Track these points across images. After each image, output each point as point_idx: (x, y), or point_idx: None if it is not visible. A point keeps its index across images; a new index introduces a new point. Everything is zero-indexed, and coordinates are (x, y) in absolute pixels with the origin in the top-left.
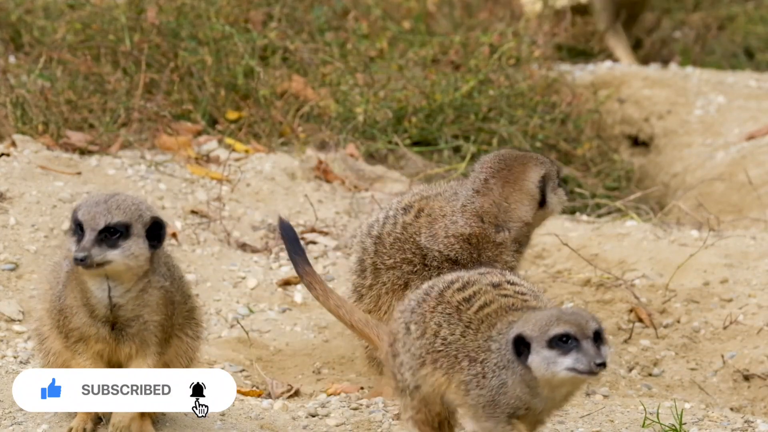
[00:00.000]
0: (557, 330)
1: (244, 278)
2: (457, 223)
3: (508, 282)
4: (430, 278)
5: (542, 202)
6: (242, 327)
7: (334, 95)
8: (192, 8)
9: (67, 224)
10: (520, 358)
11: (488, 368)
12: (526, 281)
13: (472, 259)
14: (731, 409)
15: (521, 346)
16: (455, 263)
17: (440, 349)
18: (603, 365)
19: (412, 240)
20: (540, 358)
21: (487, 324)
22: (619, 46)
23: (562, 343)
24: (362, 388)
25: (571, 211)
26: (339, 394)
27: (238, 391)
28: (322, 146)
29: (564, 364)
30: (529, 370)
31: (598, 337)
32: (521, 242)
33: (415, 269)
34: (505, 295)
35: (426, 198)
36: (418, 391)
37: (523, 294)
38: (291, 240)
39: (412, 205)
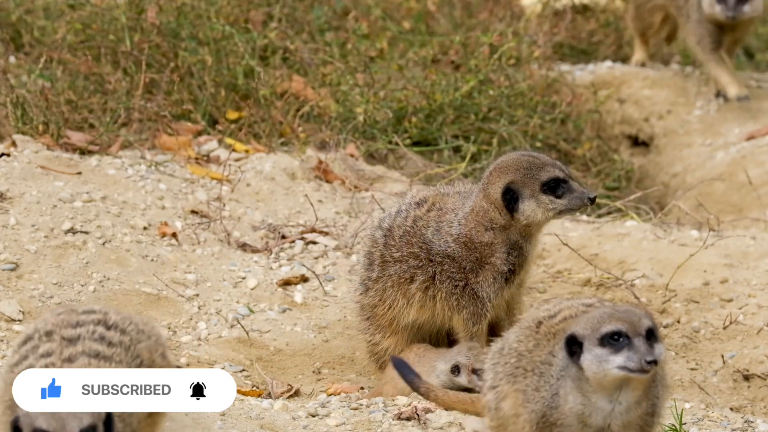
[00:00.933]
0: (609, 328)
1: (244, 278)
2: (454, 221)
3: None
4: (433, 274)
5: (512, 210)
6: (242, 327)
7: (334, 95)
8: (192, 8)
9: (67, 224)
10: (573, 358)
11: (544, 380)
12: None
13: (469, 259)
14: (731, 409)
15: (574, 346)
16: (453, 260)
17: (515, 364)
18: (654, 362)
19: (420, 234)
20: (591, 356)
21: (559, 336)
22: (723, 75)
23: (613, 341)
24: (362, 388)
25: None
26: (339, 393)
27: (238, 391)
28: (322, 146)
29: (615, 362)
30: (581, 370)
31: (651, 335)
32: (518, 247)
33: (421, 264)
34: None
35: (443, 195)
36: (498, 412)
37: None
38: (402, 367)
39: (426, 200)
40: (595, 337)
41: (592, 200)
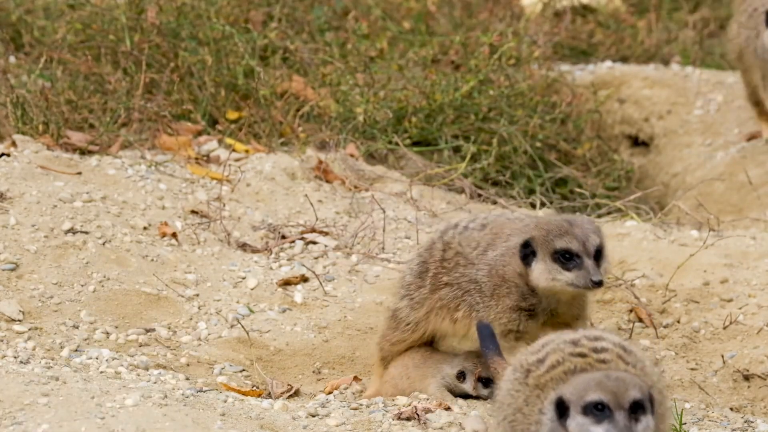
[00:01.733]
0: (592, 397)
1: (244, 278)
2: (488, 252)
3: (589, 338)
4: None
5: (525, 264)
6: (242, 327)
7: (334, 95)
8: (192, 8)
9: (67, 224)
10: (561, 420)
11: None
12: (615, 335)
13: (492, 294)
14: (731, 409)
15: (562, 408)
16: (479, 286)
17: (511, 418)
18: None
19: (467, 255)
20: (575, 424)
21: (546, 391)
22: None
23: (597, 410)
24: (358, 378)
25: (572, 211)
26: (338, 388)
27: (238, 391)
28: (322, 146)
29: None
30: None
31: (637, 408)
32: (535, 301)
33: (468, 291)
34: (580, 354)
35: (508, 219)
36: None
37: (603, 351)
38: (486, 335)
39: (488, 223)
40: (579, 404)
41: (596, 284)
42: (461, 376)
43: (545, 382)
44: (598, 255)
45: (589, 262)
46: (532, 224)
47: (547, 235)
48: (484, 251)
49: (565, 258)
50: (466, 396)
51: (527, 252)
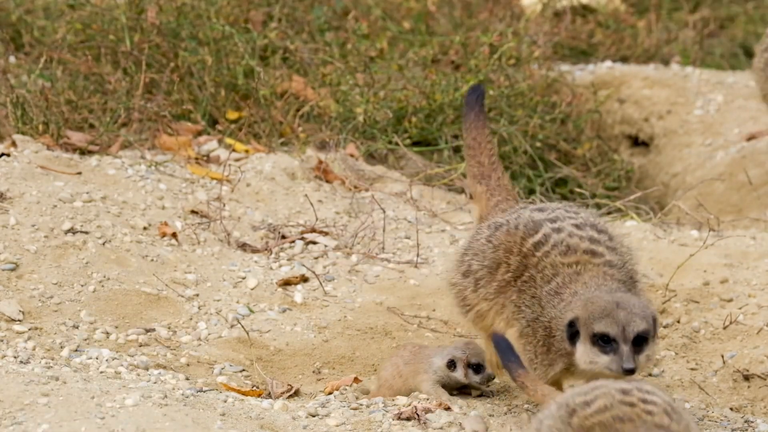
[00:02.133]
0: None
1: (244, 278)
2: (556, 301)
3: (641, 390)
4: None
5: (571, 342)
6: (242, 327)
7: (334, 95)
8: (192, 8)
9: (67, 224)
10: None
11: None
12: (665, 393)
13: (548, 350)
14: (731, 409)
15: None
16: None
17: None
18: None
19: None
20: None
21: None
22: None
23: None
24: (358, 379)
25: None
26: (338, 388)
27: (238, 391)
28: (322, 146)
29: None
30: None
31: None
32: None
33: (532, 316)
34: (629, 404)
35: (597, 258)
36: None
37: (652, 404)
38: (504, 347)
39: (576, 250)
40: None
41: (627, 372)
42: (451, 365)
43: (590, 425)
44: (641, 340)
45: (624, 348)
46: (588, 294)
47: (589, 317)
48: (554, 294)
49: (603, 341)
50: (461, 389)
51: (573, 331)
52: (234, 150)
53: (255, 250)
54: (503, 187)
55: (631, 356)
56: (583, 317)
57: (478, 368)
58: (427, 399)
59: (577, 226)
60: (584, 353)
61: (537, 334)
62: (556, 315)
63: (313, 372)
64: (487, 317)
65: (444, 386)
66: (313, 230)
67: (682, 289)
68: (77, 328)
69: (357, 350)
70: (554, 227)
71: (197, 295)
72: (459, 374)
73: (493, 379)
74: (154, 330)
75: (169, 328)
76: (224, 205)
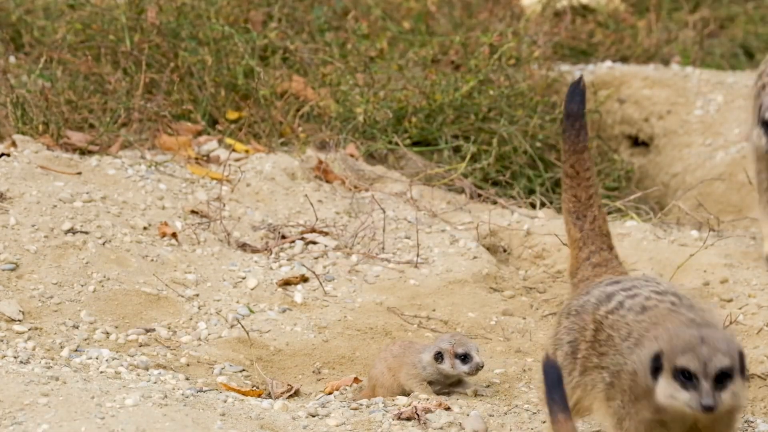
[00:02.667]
0: None
1: (244, 278)
2: (639, 349)
3: None
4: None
5: (654, 377)
6: (242, 327)
7: (334, 95)
8: (192, 8)
9: (67, 224)
10: None
11: None
12: None
13: (635, 399)
14: None
15: None
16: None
17: None
18: None
19: (618, 339)
20: None
21: None
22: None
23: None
24: (358, 380)
25: None
26: (338, 389)
27: (238, 391)
28: (322, 146)
29: None
30: None
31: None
32: (668, 418)
33: (615, 369)
34: None
35: (672, 307)
36: None
37: None
38: (552, 381)
39: (650, 307)
40: None
41: (706, 409)
42: (438, 357)
43: None
44: (725, 376)
45: (705, 385)
46: (671, 329)
47: (672, 350)
48: (635, 345)
49: (684, 377)
50: (454, 385)
51: (656, 366)
52: (234, 150)
53: (255, 250)
54: (597, 233)
55: (711, 393)
56: (667, 351)
57: (465, 358)
58: (427, 399)
59: (656, 292)
60: (665, 388)
61: (623, 384)
62: (639, 356)
63: (313, 372)
64: (584, 401)
65: (436, 383)
66: (313, 230)
67: (683, 289)
68: (77, 328)
69: (357, 350)
70: (629, 294)
71: (197, 295)
72: (446, 365)
73: (482, 368)
74: (154, 330)
75: (169, 328)
76: (224, 205)
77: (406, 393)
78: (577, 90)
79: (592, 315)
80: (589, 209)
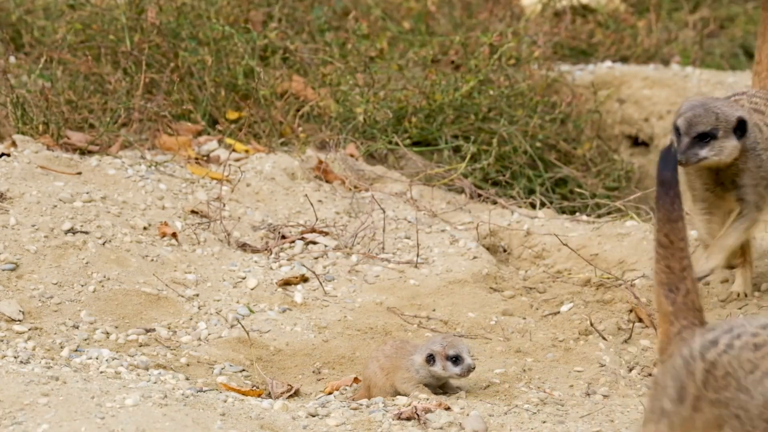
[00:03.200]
0: None
1: (244, 278)
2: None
3: None
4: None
5: None
6: (242, 327)
7: (334, 95)
8: (192, 8)
9: (67, 224)
10: None
11: None
12: None
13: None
14: None
15: None
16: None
17: None
18: None
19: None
20: None
21: None
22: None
23: None
24: (357, 380)
25: (572, 212)
26: (338, 389)
27: (238, 391)
28: (322, 146)
29: None
30: None
31: None
32: None
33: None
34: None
35: None
36: None
37: None
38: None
39: (764, 344)
40: None
41: None
42: (430, 359)
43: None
44: None
45: None
46: None
47: None
48: (762, 378)
49: None
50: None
51: None
52: (234, 150)
53: (255, 250)
54: (690, 306)
55: None
56: None
57: (456, 360)
58: (427, 399)
59: (755, 334)
60: None
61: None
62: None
63: (313, 372)
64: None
65: (428, 385)
66: (313, 230)
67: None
68: (77, 328)
69: (357, 350)
70: (733, 334)
71: (197, 295)
72: (438, 368)
73: (473, 369)
74: (154, 330)
75: (169, 328)
76: (224, 205)
77: (400, 393)
78: (669, 156)
79: (700, 362)
80: (683, 281)
